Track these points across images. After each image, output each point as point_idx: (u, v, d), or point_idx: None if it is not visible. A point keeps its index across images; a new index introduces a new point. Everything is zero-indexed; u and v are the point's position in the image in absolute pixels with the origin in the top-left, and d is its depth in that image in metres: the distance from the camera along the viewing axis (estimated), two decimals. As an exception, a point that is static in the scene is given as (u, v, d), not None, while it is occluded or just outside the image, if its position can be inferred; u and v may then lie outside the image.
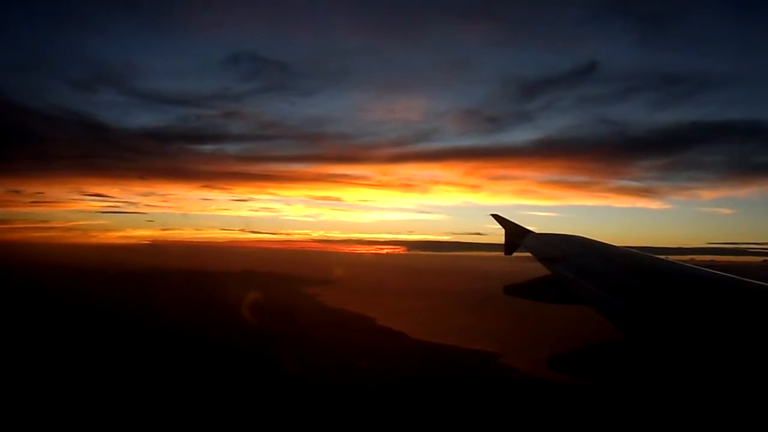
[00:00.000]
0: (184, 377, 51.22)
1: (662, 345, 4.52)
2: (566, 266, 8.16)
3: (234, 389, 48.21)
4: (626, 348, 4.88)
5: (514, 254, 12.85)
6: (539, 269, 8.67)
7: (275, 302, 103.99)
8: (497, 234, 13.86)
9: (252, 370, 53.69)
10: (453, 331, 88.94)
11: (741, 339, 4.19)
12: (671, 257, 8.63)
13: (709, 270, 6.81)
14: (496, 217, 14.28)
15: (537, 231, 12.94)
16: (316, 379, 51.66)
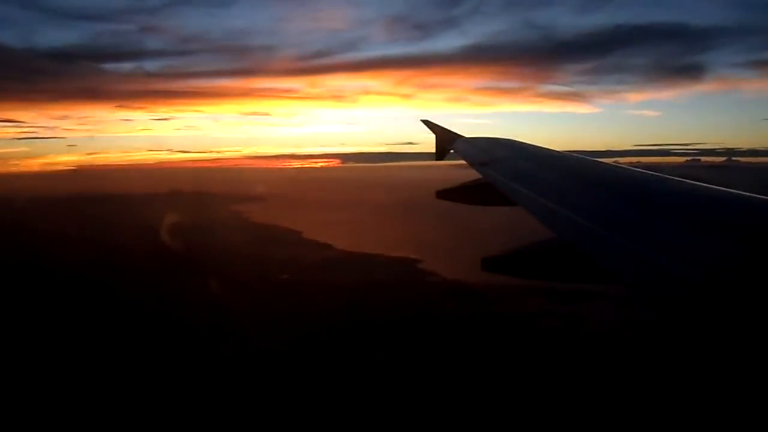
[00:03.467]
0: (102, 298, 51.67)
1: (592, 243, 4.59)
2: (497, 169, 8.18)
3: (151, 308, 49.07)
4: (558, 248, 4.97)
5: (447, 161, 12.90)
6: (472, 176, 8.79)
7: (200, 221, 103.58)
8: (430, 142, 13.83)
9: (172, 290, 54.34)
10: (378, 241, 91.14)
11: (665, 233, 4.35)
12: (599, 160, 8.80)
13: (635, 169, 7.00)
14: (426, 122, 14.35)
15: (467, 136, 12.91)
16: (238, 293, 52.88)
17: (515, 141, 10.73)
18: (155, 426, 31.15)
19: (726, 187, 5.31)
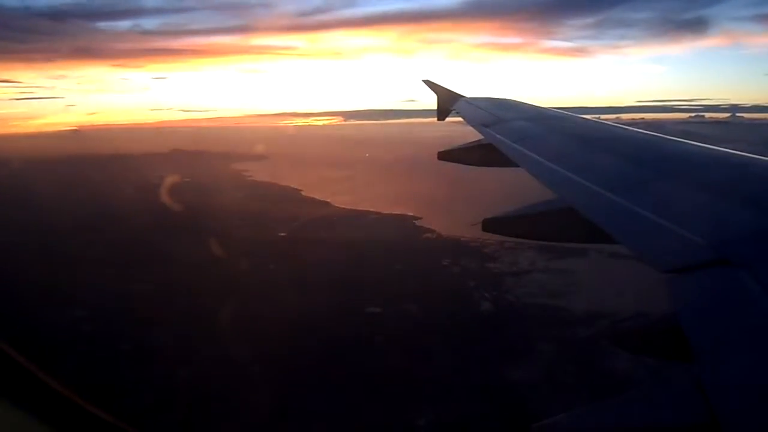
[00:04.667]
0: (100, 254, 52.88)
1: (594, 205, 4.54)
2: (499, 130, 8.13)
3: (149, 264, 50.24)
4: (559, 210, 4.90)
5: (448, 119, 12.83)
6: (473, 135, 8.75)
7: (200, 180, 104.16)
8: (432, 100, 13.69)
9: (171, 247, 55.32)
10: (377, 198, 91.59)
11: (667, 195, 4.38)
12: (602, 117, 8.83)
13: (637, 130, 7.10)
14: (428, 82, 14.23)
15: (470, 95, 12.72)
16: (236, 249, 53.79)
17: (517, 101, 10.89)
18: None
19: (730, 145, 5.60)
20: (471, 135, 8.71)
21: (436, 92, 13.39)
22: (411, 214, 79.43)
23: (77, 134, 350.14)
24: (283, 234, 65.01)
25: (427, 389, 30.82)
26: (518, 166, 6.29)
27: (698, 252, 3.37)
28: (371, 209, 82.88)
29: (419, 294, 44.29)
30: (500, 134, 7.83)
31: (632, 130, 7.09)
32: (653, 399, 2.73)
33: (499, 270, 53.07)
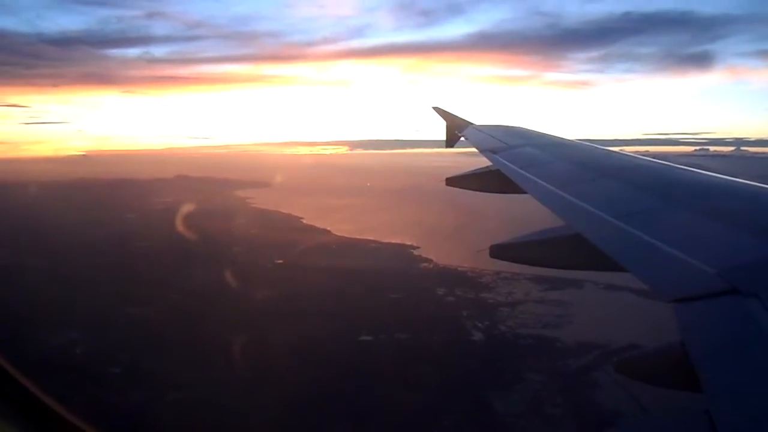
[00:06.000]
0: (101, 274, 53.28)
1: (602, 233, 4.51)
2: (507, 157, 8.15)
3: (146, 288, 50.57)
4: (566, 237, 4.88)
5: (454, 149, 13.00)
6: (479, 164, 8.80)
7: (202, 206, 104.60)
8: (438, 130, 13.84)
9: (167, 271, 55.74)
10: (378, 227, 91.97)
11: (676, 224, 4.35)
12: (609, 149, 8.69)
13: (645, 158, 7.11)
14: (438, 110, 14.31)
15: (477, 123, 12.85)
16: (232, 275, 54.09)
17: (525, 129, 10.91)
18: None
19: (735, 178, 5.37)
20: (477, 165, 8.83)
21: (445, 119, 13.51)
22: (410, 243, 79.60)
23: (86, 159, 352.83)
24: (280, 261, 65.30)
25: (412, 418, 30.88)
26: (526, 193, 6.30)
27: (707, 280, 3.31)
28: (370, 238, 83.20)
29: (412, 323, 44.46)
30: (508, 161, 7.84)
31: (640, 158, 7.13)
32: (663, 430, 2.68)
33: (494, 300, 53.15)
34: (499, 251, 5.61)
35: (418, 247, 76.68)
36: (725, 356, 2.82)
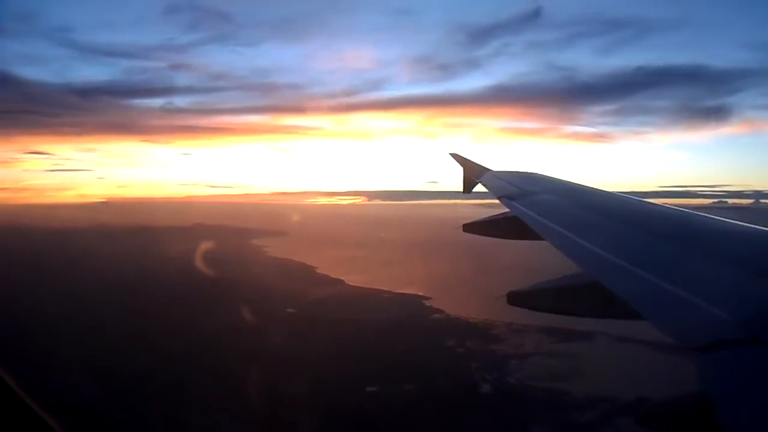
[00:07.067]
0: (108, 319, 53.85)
1: (620, 281, 4.43)
2: (524, 203, 8.05)
3: (155, 334, 51.00)
4: (584, 284, 4.81)
5: (470, 200, 12.87)
6: (495, 213, 8.70)
7: (218, 254, 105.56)
8: (454, 181, 13.65)
9: (177, 319, 56.25)
10: (391, 277, 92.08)
11: (697, 272, 4.32)
12: (628, 196, 8.90)
13: (665, 206, 7.04)
14: (455, 156, 14.27)
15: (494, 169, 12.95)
16: (242, 324, 54.51)
17: (542, 175, 10.83)
18: None
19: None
20: (493, 213, 8.73)
21: (462, 165, 13.35)
22: (422, 294, 79.61)
23: (107, 206, 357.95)
24: (291, 310, 65.59)
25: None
26: (543, 239, 6.20)
27: (728, 329, 3.27)
28: (383, 288, 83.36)
29: (420, 374, 44.46)
30: (525, 207, 7.72)
31: (659, 205, 7.08)
32: None
33: (504, 352, 52.96)
34: (516, 298, 5.57)
35: (430, 298, 76.77)
36: (747, 407, 2.72)
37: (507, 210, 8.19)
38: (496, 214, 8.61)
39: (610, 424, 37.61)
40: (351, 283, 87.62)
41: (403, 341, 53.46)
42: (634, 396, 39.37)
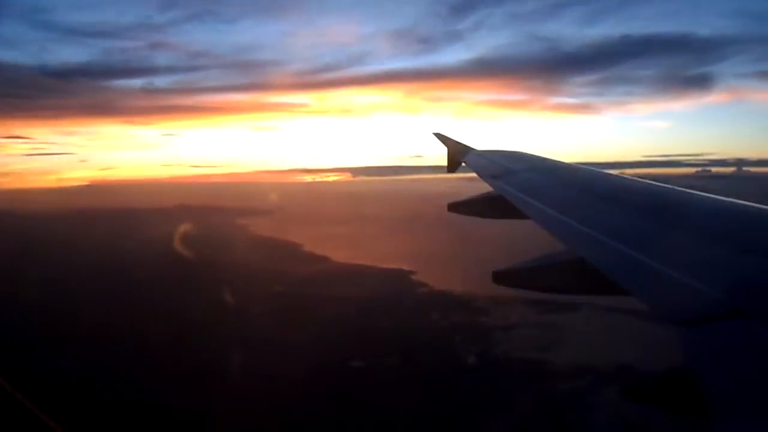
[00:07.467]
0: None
1: (605, 257, 4.51)
2: (509, 182, 8.05)
3: (142, 316, 50.95)
4: (569, 261, 4.91)
5: (457, 174, 12.83)
6: (481, 189, 8.67)
7: (203, 235, 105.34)
8: (439, 155, 13.62)
9: (162, 299, 56.19)
10: (376, 254, 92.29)
11: (680, 247, 4.34)
12: (610, 173, 8.76)
13: (648, 182, 7.02)
14: (438, 135, 14.19)
15: (478, 148, 12.68)
16: (227, 303, 54.60)
17: (527, 153, 10.85)
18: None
19: (737, 198, 5.39)
20: (479, 190, 8.68)
21: (446, 145, 13.32)
22: (407, 268, 79.86)
23: (89, 189, 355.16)
24: (277, 288, 65.65)
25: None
26: (528, 218, 6.20)
27: (711, 303, 3.32)
28: (368, 264, 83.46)
29: (405, 348, 44.72)
30: (510, 186, 7.73)
31: (641, 181, 7.13)
32: None
33: (488, 324, 53.33)
34: (502, 277, 5.60)
35: (415, 272, 77.10)
36: (731, 380, 2.76)
37: (491, 189, 8.24)
38: (480, 193, 8.65)
39: (594, 393, 38.11)
40: (336, 260, 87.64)
41: (388, 316, 53.72)
42: (618, 365, 40.09)
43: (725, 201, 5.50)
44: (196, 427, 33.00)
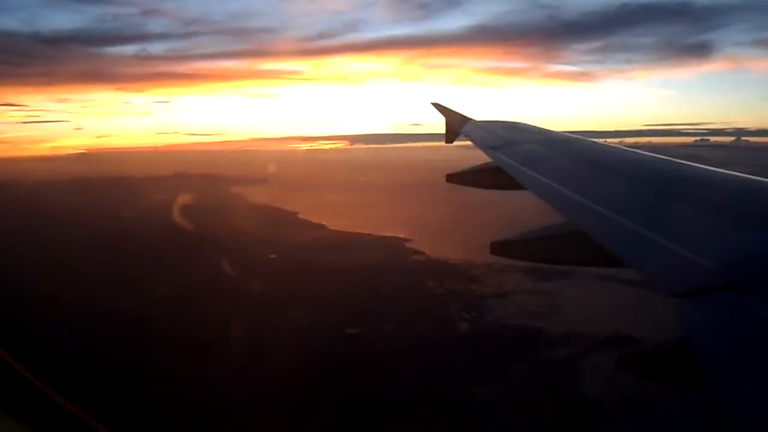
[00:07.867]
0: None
1: (601, 228, 4.52)
2: (507, 153, 8.08)
3: (140, 281, 51.15)
4: (566, 232, 4.92)
5: (455, 143, 12.75)
6: (479, 158, 8.76)
7: (198, 202, 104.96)
8: (437, 123, 13.58)
9: (160, 265, 56.34)
10: (373, 221, 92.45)
11: (677, 219, 4.37)
12: (607, 141, 8.64)
13: (645, 153, 7.10)
14: (437, 105, 14.11)
15: (477, 119, 12.59)
16: (223, 270, 54.74)
17: (525, 124, 10.88)
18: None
19: (735, 168, 5.40)
20: (478, 159, 8.78)
21: (445, 115, 13.30)
22: (403, 236, 79.99)
23: (84, 157, 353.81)
24: (273, 256, 65.83)
25: (392, 407, 31.44)
26: (526, 189, 6.26)
27: (707, 276, 3.32)
28: (364, 232, 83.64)
29: (400, 315, 45.01)
30: (508, 157, 7.79)
31: (641, 153, 7.15)
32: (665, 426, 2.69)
33: (483, 292, 53.63)
34: (499, 248, 5.59)
35: (411, 240, 77.33)
36: (726, 352, 2.79)
37: (490, 160, 8.30)
38: (479, 163, 8.71)
39: (587, 359, 38.47)
40: (332, 227, 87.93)
41: (384, 283, 53.96)
42: (611, 332, 40.41)
43: (726, 173, 5.52)
44: (196, 388, 33.24)
